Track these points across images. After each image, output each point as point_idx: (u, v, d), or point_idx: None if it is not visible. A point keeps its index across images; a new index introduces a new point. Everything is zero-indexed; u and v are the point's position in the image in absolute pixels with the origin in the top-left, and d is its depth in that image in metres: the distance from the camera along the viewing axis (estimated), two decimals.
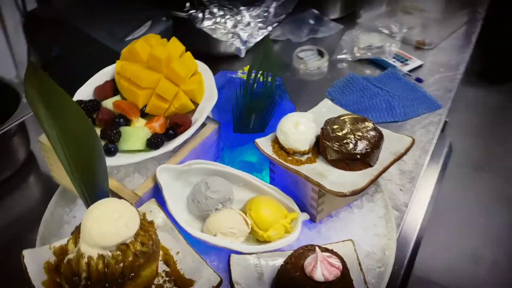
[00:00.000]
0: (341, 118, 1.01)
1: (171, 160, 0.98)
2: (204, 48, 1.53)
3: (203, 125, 1.04)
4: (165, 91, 0.97)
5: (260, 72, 1.02)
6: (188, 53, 1.03)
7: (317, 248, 0.84)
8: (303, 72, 1.60)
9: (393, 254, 0.98)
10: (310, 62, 1.61)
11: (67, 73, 1.19)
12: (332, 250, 0.89)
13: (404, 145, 1.02)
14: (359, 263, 0.92)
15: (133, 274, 0.76)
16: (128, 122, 0.97)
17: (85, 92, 1.01)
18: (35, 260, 0.81)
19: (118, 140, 0.94)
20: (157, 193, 0.95)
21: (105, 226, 0.75)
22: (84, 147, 0.78)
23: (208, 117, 1.05)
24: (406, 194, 1.19)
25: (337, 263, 0.84)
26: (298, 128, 0.99)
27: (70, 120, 0.75)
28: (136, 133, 0.95)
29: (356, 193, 0.93)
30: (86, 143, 0.78)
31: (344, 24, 1.79)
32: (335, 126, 0.99)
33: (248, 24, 1.53)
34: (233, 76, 1.10)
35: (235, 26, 1.51)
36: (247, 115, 1.04)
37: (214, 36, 1.48)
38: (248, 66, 1.07)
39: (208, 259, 0.95)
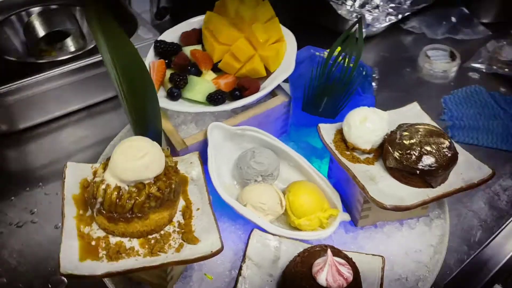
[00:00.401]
0: (416, 126, 0.91)
1: (229, 120, 0.98)
2: (319, 20, 1.48)
3: (273, 95, 1.01)
4: (239, 51, 0.95)
5: (343, 54, 0.95)
6: (276, 19, 0.99)
7: (329, 251, 0.79)
8: (426, 71, 1.46)
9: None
10: (437, 62, 1.46)
11: None
12: (350, 258, 0.83)
13: (481, 175, 0.89)
14: (381, 283, 0.84)
15: (141, 214, 0.78)
16: (198, 73, 0.98)
17: (171, 35, 1.04)
18: (75, 174, 0.87)
19: (183, 86, 0.96)
20: (205, 148, 0.95)
21: (127, 162, 0.77)
22: (135, 81, 0.81)
23: (282, 90, 1.02)
24: (485, 233, 1.04)
25: (347, 273, 0.78)
26: (365, 124, 0.92)
27: (123, 55, 0.78)
28: (201, 84, 0.96)
29: (400, 209, 0.84)
30: (137, 78, 0.80)
31: (493, 31, 1.59)
32: (405, 133, 0.90)
33: (377, 6, 1.43)
34: (317, 53, 1.04)
35: (362, 5, 1.43)
36: (319, 96, 0.98)
37: (339, 11, 1.42)
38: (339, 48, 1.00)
39: (234, 226, 0.95)
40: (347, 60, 0.96)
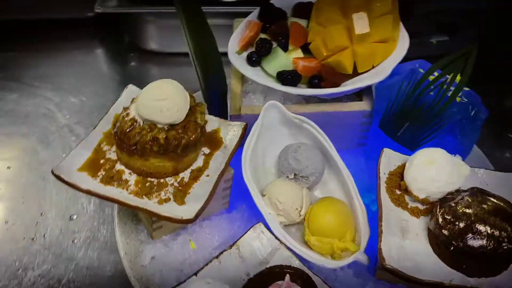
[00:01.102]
0: (486, 197, 0.72)
1: (295, 106, 0.90)
2: None
3: (354, 99, 0.89)
4: (330, 38, 0.85)
5: (444, 77, 0.78)
6: (390, 16, 0.85)
7: (287, 277, 0.68)
8: None
9: None
10: None
11: None
12: None
13: None
14: None
15: (142, 153, 0.77)
16: (285, 46, 0.91)
17: (285, 2, 0.98)
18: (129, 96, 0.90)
19: (264, 55, 0.91)
20: None
21: (147, 99, 0.77)
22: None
23: (367, 96, 0.89)
24: None
25: None
26: (429, 167, 0.76)
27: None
28: (278, 58, 0.89)
29: (400, 276, 0.68)
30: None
31: None
32: (467, 198, 0.72)
33: None
34: (421, 69, 0.86)
35: None
36: (400, 118, 0.83)
37: None
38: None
39: (246, 212, 0.89)
40: (445, 87, 0.78)
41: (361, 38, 0.85)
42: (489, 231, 0.68)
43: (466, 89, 0.84)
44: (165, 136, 0.77)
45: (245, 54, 0.94)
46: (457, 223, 0.69)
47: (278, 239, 0.81)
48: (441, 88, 0.78)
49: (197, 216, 0.74)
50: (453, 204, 0.72)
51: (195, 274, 0.77)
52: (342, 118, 0.89)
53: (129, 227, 0.87)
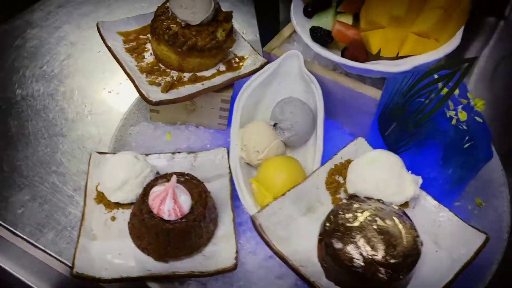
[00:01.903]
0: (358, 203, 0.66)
1: (317, 66, 0.90)
2: None
3: (370, 84, 0.85)
4: (370, 12, 0.81)
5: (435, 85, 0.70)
6: (436, 11, 0.75)
7: (174, 177, 0.73)
8: None
9: None
10: None
11: None
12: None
13: None
14: None
15: (157, 36, 0.88)
16: (337, 6, 0.89)
17: None
18: None
19: (317, 9, 0.91)
20: None
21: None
22: None
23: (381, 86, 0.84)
24: None
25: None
26: (367, 166, 0.71)
27: None
28: (327, 18, 0.89)
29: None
30: None
31: None
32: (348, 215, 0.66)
33: None
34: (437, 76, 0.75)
35: None
36: (390, 117, 0.77)
37: None
38: None
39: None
40: (433, 96, 0.70)
41: (397, 22, 0.79)
42: (365, 250, 0.62)
43: (479, 120, 0.73)
44: (176, 30, 0.86)
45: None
46: (339, 224, 0.65)
47: (230, 169, 0.86)
48: (428, 96, 0.70)
49: (157, 102, 0.83)
50: (351, 207, 0.67)
51: (146, 154, 0.87)
52: (353, 97, 0.86)
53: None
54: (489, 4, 1.37)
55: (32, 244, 0.86)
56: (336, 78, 0.87)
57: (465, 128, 0.72)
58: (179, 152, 0.88)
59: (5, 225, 0.88)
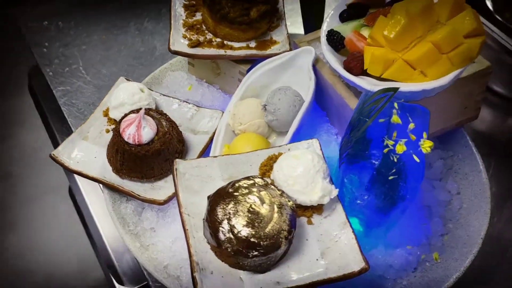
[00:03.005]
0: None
1: (326, 67, 0.93)
2: None
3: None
4: (377, 29, 0.82)
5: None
6: (424, 44, 0.73)
7: (142, 110, 0.86)
8: None
9: None
10: None
11: None
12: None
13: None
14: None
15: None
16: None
17: None
18: None
19: (351, 16, 0.93)
20: None
21: None
22: None
23: None
24: None
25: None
26: (290, 159, 0.75)
27: None
28: (352, 26, 0.91)
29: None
30: None
31: None
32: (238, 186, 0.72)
33: None
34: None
35: None
36: (346, 132, 0.78)
37: None
38: None
39: None
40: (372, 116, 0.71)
41: (392, 44, 0.79)
42: (229, 218, 0.68)
43: (416, 159, 0.71)
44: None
45: None
46: (227, 191, 0.71)
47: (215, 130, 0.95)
48: (367, 117, 0.70)
49: (175, 52, 0.97)
50: (247, 182, 0.72)
51: (163, 94, 1.01)
52: (342, 106, 0.88)
53: None
54: None
55: None
56: (334, 84, 0.90)
57: (395, 160, 0.71)
58: (187, 102, 1.00)
59: None
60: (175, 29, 1.01)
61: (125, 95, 0.94)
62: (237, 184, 0.72)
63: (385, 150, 0.72)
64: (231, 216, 0.68)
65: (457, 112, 0.93)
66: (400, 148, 0.71)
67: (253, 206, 0.69)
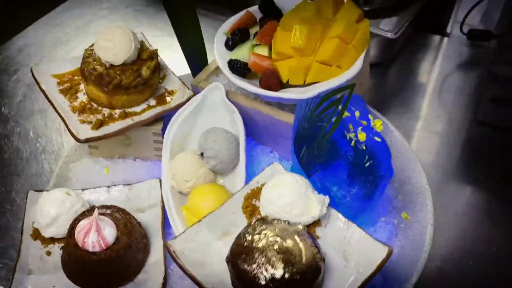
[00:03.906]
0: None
1: (240, 96, 0.96)
2: None
3: (288, 110, 0.90)
4: (276, 43, 0.87)
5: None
6: (334, 41, 0.82)
7: (96, 211, 0.78)
8: None
9: None
10: None
11: None
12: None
13: None
14: None
15: (85, 77, 0.94)
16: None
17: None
18: None
19: (237, 42, 0.97)
20: None
21: (99, 37, 0.92)
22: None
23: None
24: None
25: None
26: (274, 189, 0.75)
27: None
28: (244, 50, 0.95)
29: None
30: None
31: None
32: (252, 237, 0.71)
33: None
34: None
35: None
36: (301, 141, 0.82)
37: None
38: None
39: None
40: (330, 120, 0.76)
41: (301, 52, 0.85)
42: (266, 269, 0.67)
43: (378, 139, 0.78)
44: (101, 70, 0.91)
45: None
46: (244, 246, 0.70)
47: (162, 198, 0.90)
48: (325, 120, 0.75)
49: (85, 140, 0.89)
50: (255, 229, 0.72)
51: (83, 189, 0.92)
52: (273, 124, 0.91)
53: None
54: (431, 23, 1.43)
55: None
56: (256, 107, 0.93)
57: (364, 148, 0.77)
58: (115, 185, 0.93)
59: None
60: (69, 118, 0.93)
61: (55, 207, 0.84)
62: (248, 237, 0.71)
63: (352, 143, 0.77)
64: (266, 265, 0.67)
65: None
66: (362, 136, 0.77)
67: (279, 246, 0.68)
